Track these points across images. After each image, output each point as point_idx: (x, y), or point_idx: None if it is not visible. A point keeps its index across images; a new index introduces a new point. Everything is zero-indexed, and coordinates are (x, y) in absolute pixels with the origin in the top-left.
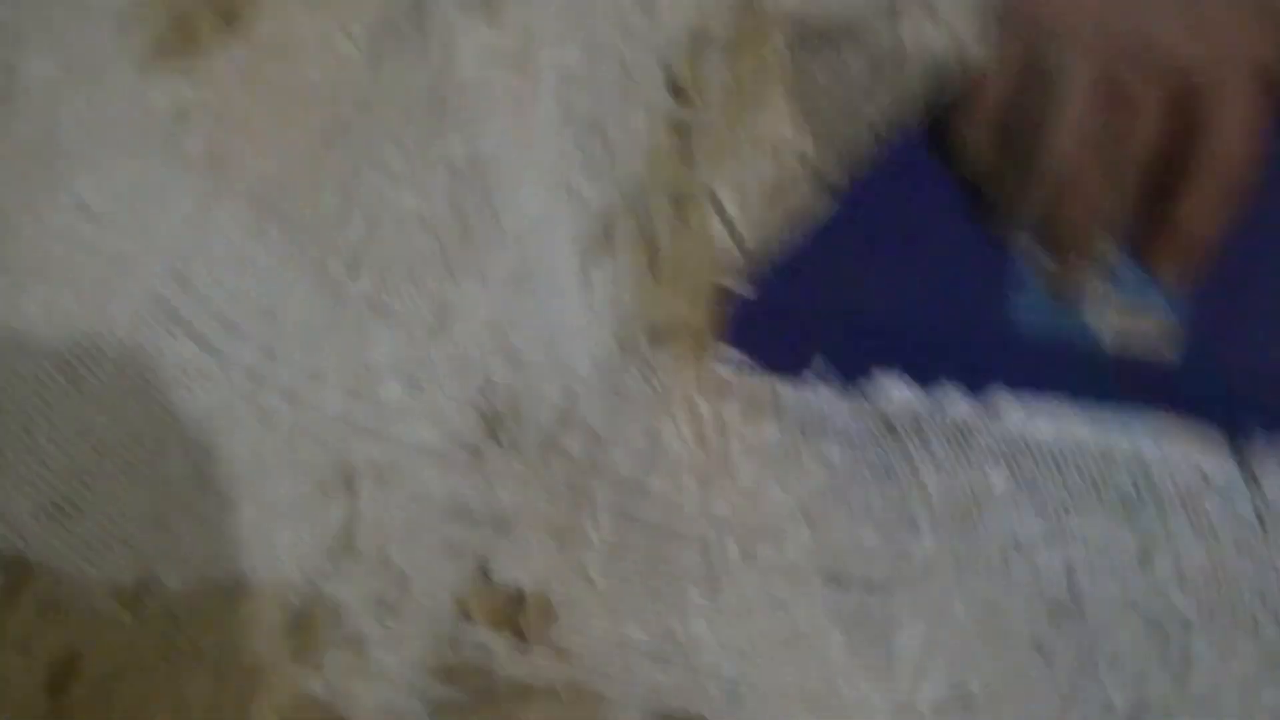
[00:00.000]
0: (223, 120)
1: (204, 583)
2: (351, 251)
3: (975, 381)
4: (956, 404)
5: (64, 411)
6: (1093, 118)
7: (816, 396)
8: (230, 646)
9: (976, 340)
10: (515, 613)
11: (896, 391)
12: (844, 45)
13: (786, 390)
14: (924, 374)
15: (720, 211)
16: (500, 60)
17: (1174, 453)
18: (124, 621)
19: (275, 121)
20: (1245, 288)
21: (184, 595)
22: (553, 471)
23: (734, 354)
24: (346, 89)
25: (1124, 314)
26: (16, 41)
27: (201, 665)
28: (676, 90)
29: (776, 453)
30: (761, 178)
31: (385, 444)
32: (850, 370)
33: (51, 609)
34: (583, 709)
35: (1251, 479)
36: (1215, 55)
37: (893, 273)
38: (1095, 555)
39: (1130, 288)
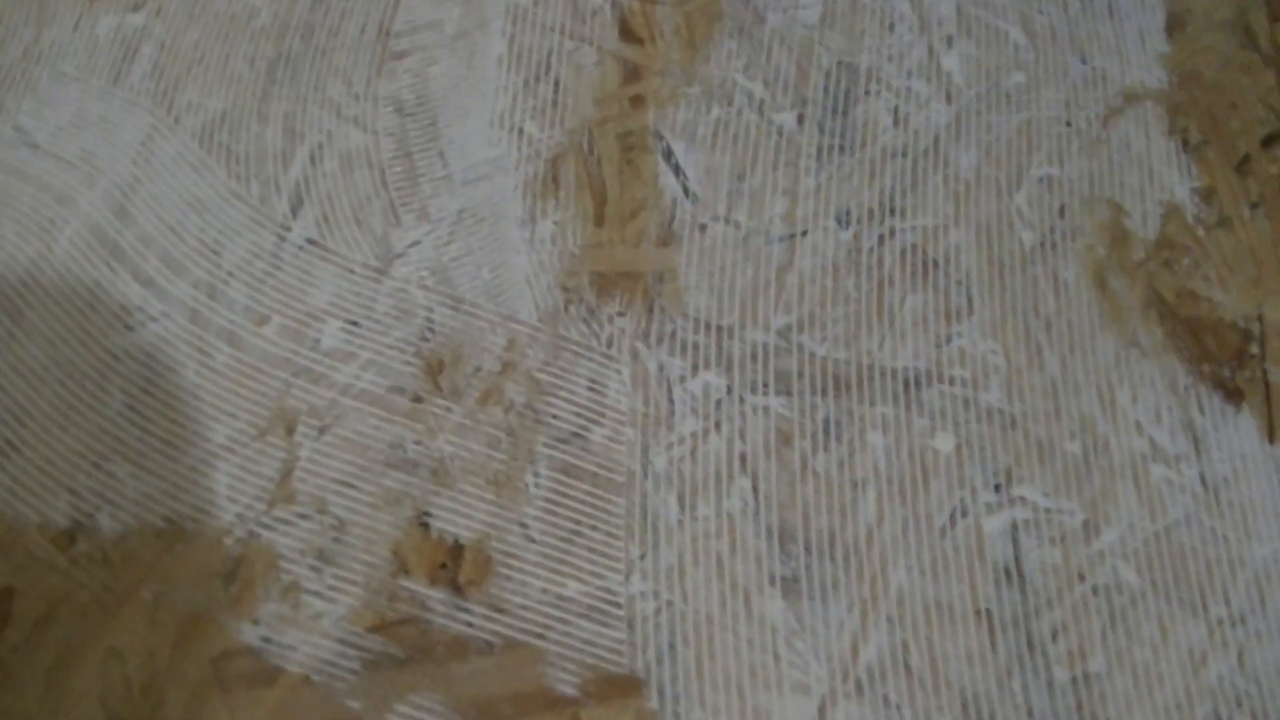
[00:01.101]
0: (170, 51)
1: (141, 526)
2: (295, 189)
3: None
4: None
5: (1, 346)
6: None
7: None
8: (166, 593)
9: None
10: (454, 566)
11: None
12: None
13: (731, 340)
14: None
15: (668, 157)
16: None
17: (1124, 421)
18: (59, 564)
19: (221, 55)
20: None
21: (120, 539)
22: (493, 420)
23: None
24: (294, 22)
25: None
26: None
27: (137, 611)
28: (626, 30)
29: (719, 405)
30: (711, 121)
31: (326, 388)
32: None
33: None
34: (520, 665)
35: (1200, 447)
36: None
37: None
38: (1042, 521)
39: None
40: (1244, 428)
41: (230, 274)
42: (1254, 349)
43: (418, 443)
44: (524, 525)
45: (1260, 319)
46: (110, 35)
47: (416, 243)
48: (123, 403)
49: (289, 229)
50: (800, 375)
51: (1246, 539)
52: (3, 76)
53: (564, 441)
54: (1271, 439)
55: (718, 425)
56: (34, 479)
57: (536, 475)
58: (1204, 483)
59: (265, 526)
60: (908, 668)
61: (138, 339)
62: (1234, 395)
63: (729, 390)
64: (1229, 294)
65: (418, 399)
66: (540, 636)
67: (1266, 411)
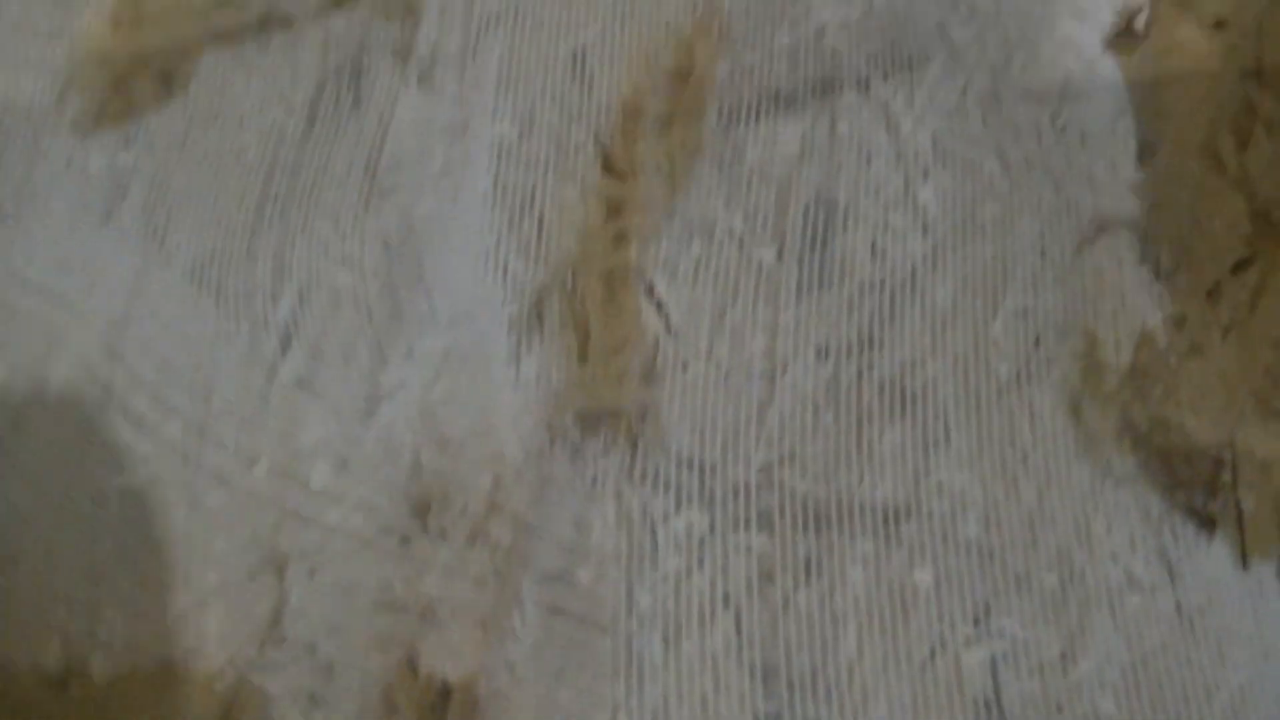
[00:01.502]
0: (160, 189)
1: (132, 669)
2: (284, 328)
3: None
4: None
5: None
6: None
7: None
8: None
9: None
10: (443, 707)
11: None
12: (776, 118)
13: (713, 477)
14: None
15: (650, 293)
16: (437, 133)
17: (1099, 552)
18: (52, 708)
19: (211, 191)
20: None
21: (112, 682)
22: (480, 561)
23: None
24: (282, 160)
25: None
26: None
27: None
28: (609, 166)
29: (702, 543)
30: (692, 257)
31: (315, 530)
32: None
33: None
34: None
35: (1174, 575)
36: None
37: None
38: (1020, 654)
39: None
40: (1217, 555)
41: (220, 414)
42: (1226, 476)
43: (406, 584)
44: (512, 666)
45: (1232, 446)
46: (101, 173)
47: (403, 382)
48: (114, 545)
49: (278, 368)
50: (781, 512)
51: (1222, 665)
52: None
53: (550, 581)
54: (1245, 565)
55: (701, 563)
56: (26, 623)
57: (523, 615)
58: (1179, 611)
59: (256, 669)
60: None
61: (129, 480)
62: (1207, 523)
63: (712, 528)
64: (1201, 421)
65: (406, 540)
66: None
67: (1239, 538)
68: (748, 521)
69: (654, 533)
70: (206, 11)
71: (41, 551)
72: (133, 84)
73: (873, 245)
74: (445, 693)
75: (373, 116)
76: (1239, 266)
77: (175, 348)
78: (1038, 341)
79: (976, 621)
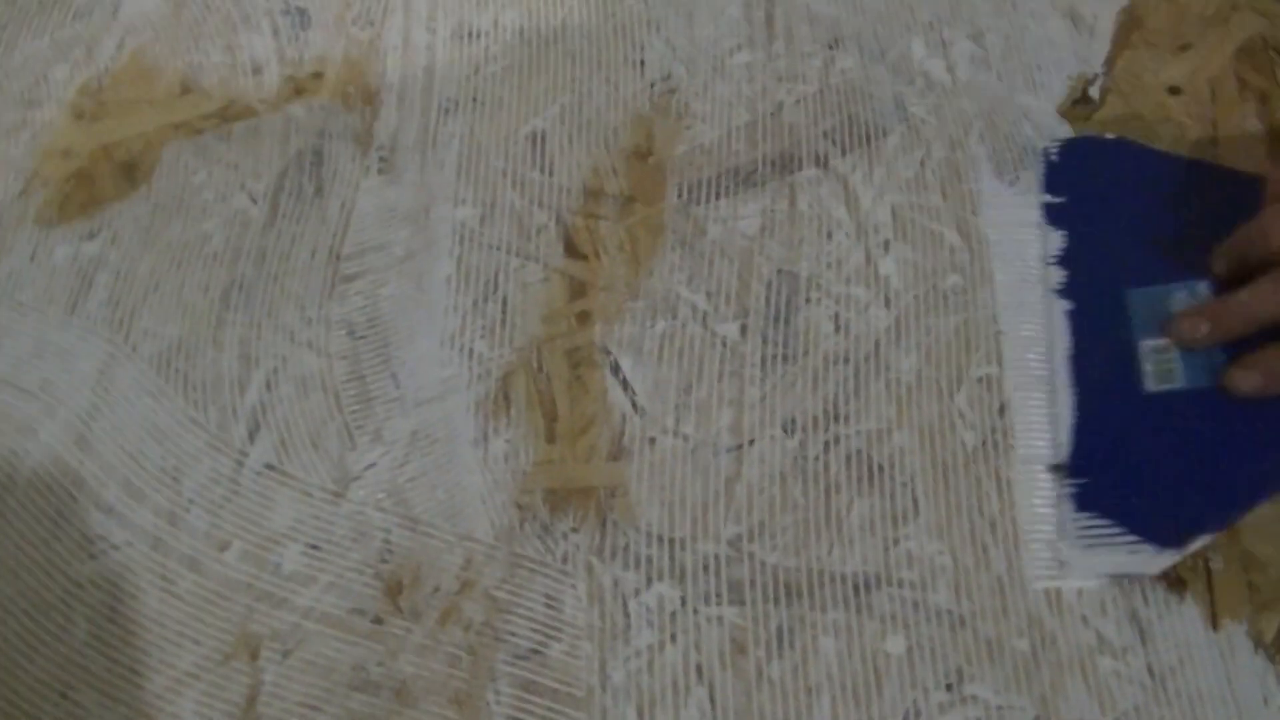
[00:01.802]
0: (125, 279)
1: None
2: (252, 414)
3: None
4: None
5: None
6: None
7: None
8: None
9: None
10: None
11: None
12: (736, 195)
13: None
14: None
15: (616, 371)
16: (399, 218)
17: (1070, 616)
18: None
19: (176, 280)
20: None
21: None
22: (454, 639)
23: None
24: (246, 248)
25: None
26: None
27: None
28: (571, 246)
29: (673, 617)
30: (657, 335)
31: (288, 612)
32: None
33: None
34: None
35: (1145, 637)
36: None
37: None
38: (994, 719)
39: None
40: (1188, 616)
41: (191, 500)
42: None
43: (380, 664)
44: None
45: None
46: (66, 264)
47: (372, 465)
48: (87, 631)
49: (247, 454)
50: (752, 584)
51: None
52: None
53: (523, 658)
54: (1215, 626)
55: (673, 637)
56: (1, 710)
57: (498, 693)
58: (1151, 673)
59: None
60: None
61: (101, 567)
62: (1177, 584)
63: (683, 602)
64: None
65: (378, 620)
66: None
67: (1209, 599)
68: (719, 595)
69: (626, 607)
70: (168, 102)
71: (15, 639)
72: (96, 175)
73: (836, 318)
74: None
75: (335, 203)
76: None
77: (144, 436)
78: (1002, 410)
79: (949, 688)
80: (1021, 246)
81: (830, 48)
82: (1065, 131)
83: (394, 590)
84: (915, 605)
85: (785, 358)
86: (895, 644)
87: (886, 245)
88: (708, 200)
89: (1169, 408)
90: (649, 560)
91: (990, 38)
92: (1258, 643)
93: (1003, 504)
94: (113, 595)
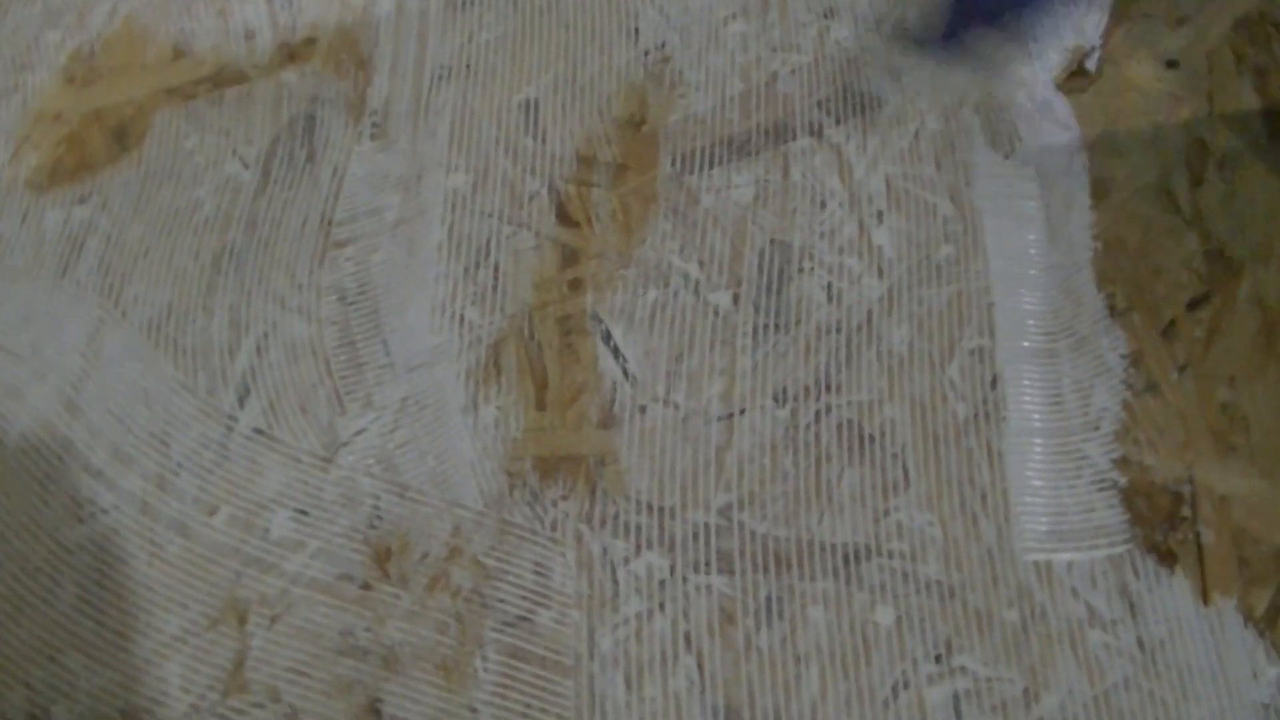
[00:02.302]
0: (115, 245)
1: (95, 717)
2: (241, 380)
3: None
4: None
5: None
6: None
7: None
8: None
9: None
10: None
11: None
12: (730, 165)
13: (673, 520)
14: None
15: (607, 339)
16: (390, 185)
17: (1060, 588)
18: None
19: (167, 246)
20: None
21: None
22: (442, 606)
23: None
24: (237, 214)
25: None
26: None
27: None
28: (563, 214)
29: (662, 585)
30: (648, 303)
31: (276, 577)
32: None
33: None
34: None
35: (1135, 610)
36: None
37: None
38: (982, 691)
39: None
40: (1178, 589)
41: (179, 465)
42: (1185, 511)
43: (368, 630)
44: (474, 710)
45: (1191, 481)
46: (57, 229)
47: (362, 431)
48: (76, 595)
49: (236, 419)
50: (742, 553)
51: (1184, 700)
52: None
53: (511, 625)
54: (1205, 600)
55: (662, 605)
56: None
57: (485, 659)
58: (1141, 646)
59: (219, 716)
60: None
61: (89, 531)
62: (1167, 558)
63: (672, 570)
64: (1159, 457)
65: (367, 586)
66: None
67: (1200, 573)
68: (708, 564)
69: (614, 576)
70: (160, 67)
71: (4, 602)
72: (87, 140)
73: (828, 288)
74: None
75: (327, 170)
76: (1194, 303)
77: (133, 401)
78: (994, 382)
79: (938, 659)
80: (1016, 218)
81: (825, 17)
82: (1061, 105)
83: (382, 556)
84: (905, 576)
85: (777, 327)
86: (884, 615)
87: (880, 215)
88: (701, 169)
89: None
90: (638, 528)
91: None
92: (1248, 617)
93: (993, 476)
94: (101, 559)
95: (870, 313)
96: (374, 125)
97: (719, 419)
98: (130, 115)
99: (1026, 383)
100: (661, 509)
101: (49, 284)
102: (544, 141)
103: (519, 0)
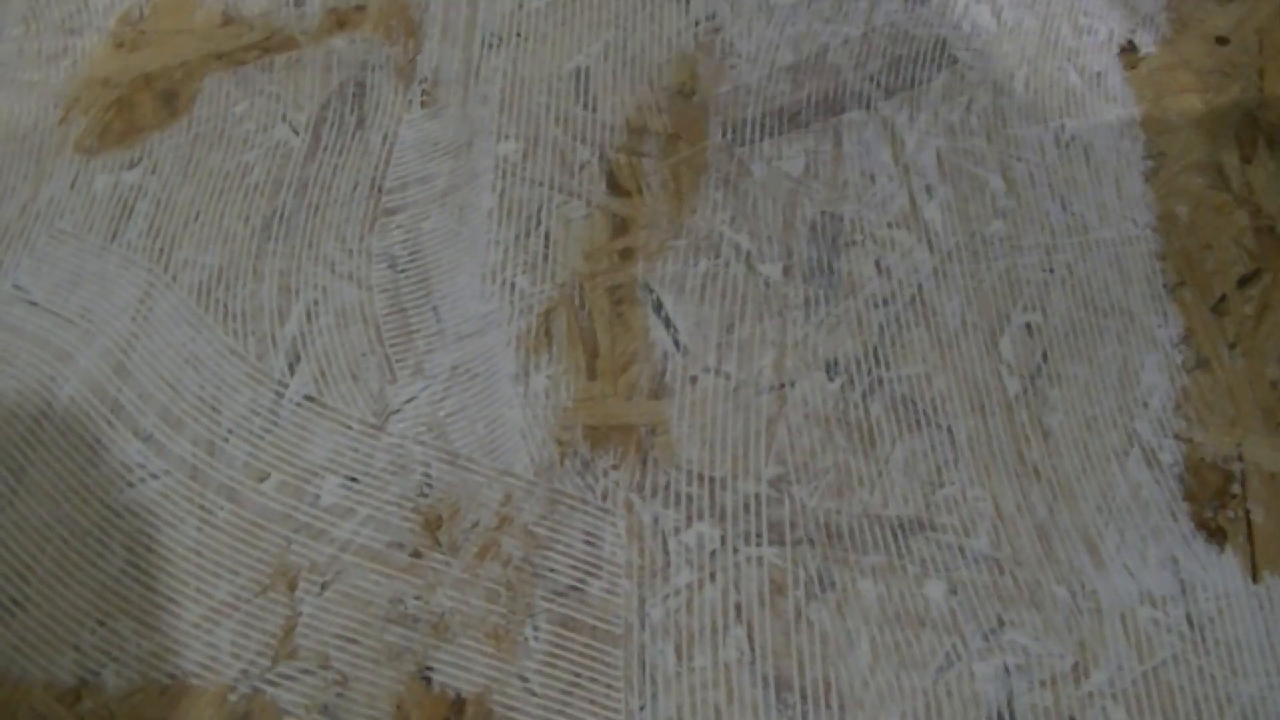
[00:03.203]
0: (165, 209)
1: (145, 683)
2: (291, 345)
3: None
4: None
5: (4, 503)
6: None
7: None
8: None
9: None
10: (455, 719)
11: None
12: (781, 136)
13: (723, 491)
14: None
15: (658, 309)
16: (441, 152)
17: (1110, 564)
18: None
19: (216, 210)
20: None
21: (125, 696)
22: (492, 574)
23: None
24: (287, 179)
25: None
26: None
27: None
28: (614, 183)
29: (713, 556)
30: (699, 273)
31: (326, 544)
32: None
33: None
34: None
35: (1185, 587)
36: None
37: None
38: (1032, 665)
39: None
40: (1228, 567)
41: (229, 430)
42: (1235, 488)
43: (417, 598)
44: (524, 678)
45: (1240, 458)
46: (107, 192)
47: (412, 398)
48: (125, 559)
49: (286, 385)
50: (792, 525)
51: (1233, 676)
52: (1, 233)
53: (561, 595)
54: (1255, 578)
55: (712, 576)
56: (38, 637)
57: (535, 628)
58: (1190, 623)
59: (269, 683)
60: None
61: (139, 495)
62: (1217, 535)
63: (723, 541)
64: (1209, 434)
65: (417, 554)
66: None
67: (1249, 550)
68: (759, 535)
69: (665, 546)
70: (209, 32)
71: (54, 566)
72: (136, 104)
73: (878, 262)
74: (458, 705)
75: (377, 136)
76: (1244, 280)
77: (183, 365)
78: (1045, 356)
79: (988, 634)
80: (1064, 193)
81: None
82: (1112, 81)
83: (433, 524)
84: (956, 551)
85: (828, 299)
86: (935, 589)
87: (930, 190)
88: (751, 140)
89: None
90: (689, 499)
91: None
92: None
93: (1044, 451)
94: (150, 524)
95: (921, 287)
96: (424, 92)
97: (770, 390)
98: (179, 79)
99: (1076, 358)
100: (712, 479)
101: (98, 248)
102: (594, 110)
103: None
